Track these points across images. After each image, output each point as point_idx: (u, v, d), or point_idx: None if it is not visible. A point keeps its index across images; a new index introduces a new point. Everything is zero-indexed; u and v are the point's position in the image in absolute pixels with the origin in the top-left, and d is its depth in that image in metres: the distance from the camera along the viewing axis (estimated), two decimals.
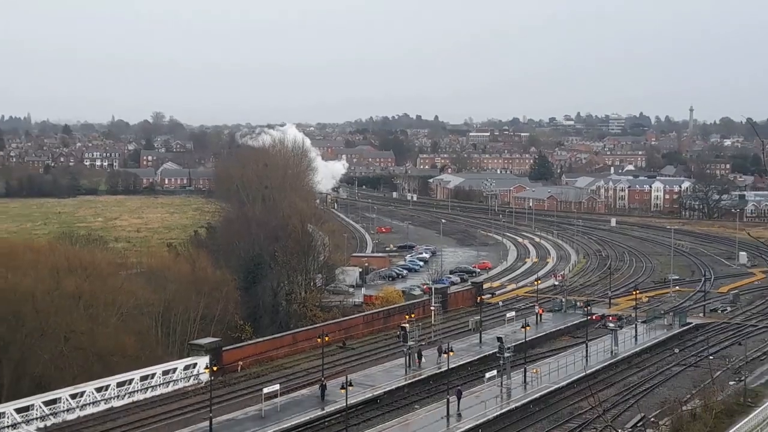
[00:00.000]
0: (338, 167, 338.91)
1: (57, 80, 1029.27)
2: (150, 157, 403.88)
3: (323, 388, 71.76)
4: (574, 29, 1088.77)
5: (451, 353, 77.16)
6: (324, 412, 68.99)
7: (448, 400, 69.05)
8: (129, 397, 73.13)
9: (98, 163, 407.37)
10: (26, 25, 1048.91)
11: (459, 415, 69.00)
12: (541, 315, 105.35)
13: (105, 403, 71.10)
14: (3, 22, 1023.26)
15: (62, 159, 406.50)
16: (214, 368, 73.20)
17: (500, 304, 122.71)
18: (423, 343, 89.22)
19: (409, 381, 79.42)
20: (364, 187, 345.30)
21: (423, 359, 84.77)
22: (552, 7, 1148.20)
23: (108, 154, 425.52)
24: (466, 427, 66.01)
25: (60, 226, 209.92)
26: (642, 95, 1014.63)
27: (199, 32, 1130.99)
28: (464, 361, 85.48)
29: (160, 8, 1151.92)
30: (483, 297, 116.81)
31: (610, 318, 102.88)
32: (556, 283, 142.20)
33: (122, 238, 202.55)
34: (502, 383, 75.61)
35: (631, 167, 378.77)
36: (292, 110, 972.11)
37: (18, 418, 64.40)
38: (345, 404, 63.08)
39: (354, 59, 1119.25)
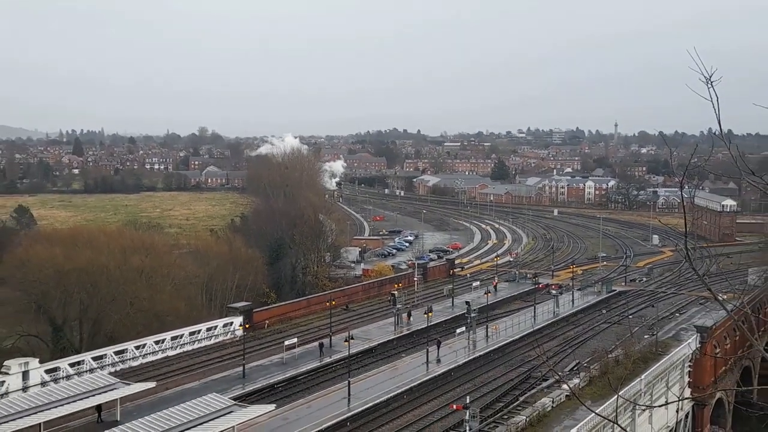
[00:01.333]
0: (338, 166, 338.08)
1: (125, 102, 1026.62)
2: (196, 162, 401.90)
3: (321, 345, 70.74)
4: (527, 68, 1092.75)
5: (430, 314, 77.32)
6: (331, 359, 69.00)
7: (427, 350, 69.17)
8: (180, 348, 73.12)
9: (156, 166, 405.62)
10: (100, 59, 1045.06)
11: (438, 360, 69.26)
12: (495, 286, 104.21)
13: (162, 353, 71.08)
14: (83, 58, 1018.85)
15: (128, 163, 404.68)
16: (247, 326, 73.20)
17: (468, 275, 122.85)
18: (408, 306, 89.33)
19: (397, 335, 79.47)
20: (362, 185, 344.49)
21: (411, 317, 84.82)
22: (506, 55, 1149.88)
23: (164, 160, 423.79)
24: (442, 370, 66.14)
25: (127, 216, 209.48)
26: (578, 113, 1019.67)
27: (236, 63, 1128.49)
28: (440, 320, 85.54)
29: (206, 53, 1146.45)
30: (454, 270, 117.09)
31: (553, 286, 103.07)
32: (511, 259, 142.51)
33: (175, 224, 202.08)
34: (469, 337, 75.72)
35: (569, 170, 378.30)
36: (309, 124, 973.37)
37: (94, 364, 64.39)
38: (348, 353, 63.09)
39: (357, 87, 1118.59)
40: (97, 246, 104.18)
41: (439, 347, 71.36)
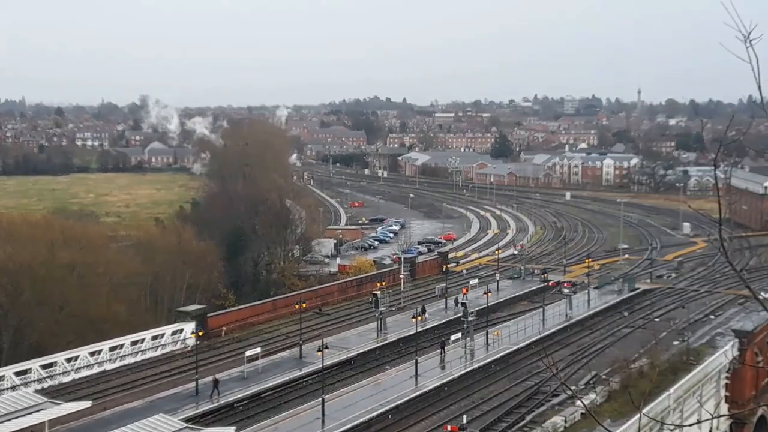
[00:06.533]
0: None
1: (50, 64, 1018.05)
2: (137, 137, 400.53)
3: (216, 382, 63.43)
4: (533, 18, 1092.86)
5: (420, 317, 77.38)
6: (302, 372, 69.08)
7: (416, 360, 69.40)
8: (120, 360, 72.96)
9: (89, 143, 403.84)
10: (19, 9, 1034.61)
11: (443, 366, 70.87)
12: (466, 293, 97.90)
13: (98, 366, 70.88)
14: None
15: (55, 139, 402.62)
16: (200, 333, 73.12)
17: (464, 272, 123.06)
18: (393, 308, 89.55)
19: (381, 343, 79.68)
20: (338, 164, 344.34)
21: (426, 314, 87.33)
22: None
23: (98, 135, 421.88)
24: (433, 385, 66.40)
25: (54, 202, 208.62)
26: (594, 78, 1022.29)
27: (185, 21, 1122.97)
28: (431, 325, 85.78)
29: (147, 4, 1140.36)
30: (448, 266, 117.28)
31: (565, 284, 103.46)
32: (516, 252, 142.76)
33: (113, 213, 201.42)
34: (466, 344, 76.00)
35: (584, 145, 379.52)
36: (270, 92, 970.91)
37: (17, 380, 64.09)
38: (321, 365, 63.17)
39: (330, 46, 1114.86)
40: (18, 239, 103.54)
41: (443, 349, 72.91)
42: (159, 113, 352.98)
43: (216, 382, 63.70)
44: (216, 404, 62.08)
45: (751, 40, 9.33)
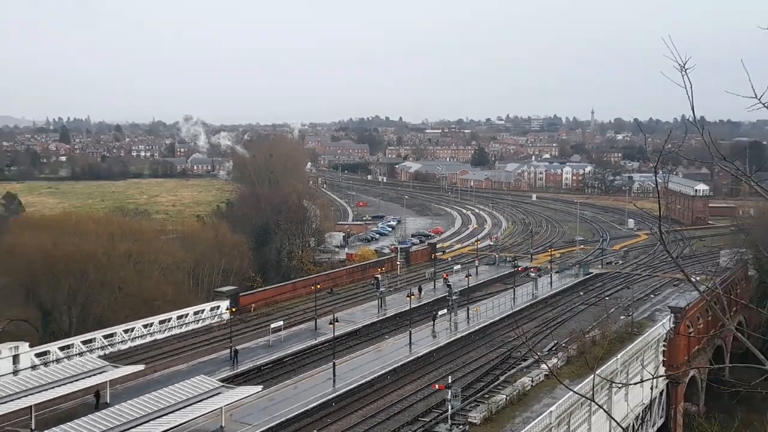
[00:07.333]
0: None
1: (111, 88, 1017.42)
2: (182, 149, 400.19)
3: (235, 352, 62.16)
4: (508, 54, 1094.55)
5: (414, 296, 77.38)
6: (317, 341, 69.06)
7: (410, 332, 69.40)
8: (168, 331, 72.94)
9: (143, 153, 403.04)
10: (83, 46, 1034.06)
11: (434, 335, 71.21)
12: (418, 291, 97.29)
13: (150, 336, 70.91)
14: (58, 44, 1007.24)
15: (115, 151, 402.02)
16: (233, 309, 73.18)
17: (449, 259, 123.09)
18: (391, 289, 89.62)
19: (381, 318, 79.67)
20: (346, 171, 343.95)
21: (422, 292, 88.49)
22: (490, 37, 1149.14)
23: (150, 147, 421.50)
24: (424, 351, 66.42)
25: (114, 202, 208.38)
26: (556, 100, 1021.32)
27: (227, 54, 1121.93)
28: (423, 302, 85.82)
29: (195, 36, 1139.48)
30: (436, 254, 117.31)
31: (532, 269, 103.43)
32: (491, 243, 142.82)
33: (162, 211, 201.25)
34: (451, 319, 76.05)
35: (547, 156, 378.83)
36: (292, 113, 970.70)
37: (83, 348, 64.13)
38: (333, 335, 63.17)
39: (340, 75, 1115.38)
40: (85, 232, 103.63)
41: (434, 321, 73.19)
42: (189, 130, 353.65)
43: (236, 352, 62.63)
44: (234, 371, 60.15)
45: (686, 69, 9.38)
